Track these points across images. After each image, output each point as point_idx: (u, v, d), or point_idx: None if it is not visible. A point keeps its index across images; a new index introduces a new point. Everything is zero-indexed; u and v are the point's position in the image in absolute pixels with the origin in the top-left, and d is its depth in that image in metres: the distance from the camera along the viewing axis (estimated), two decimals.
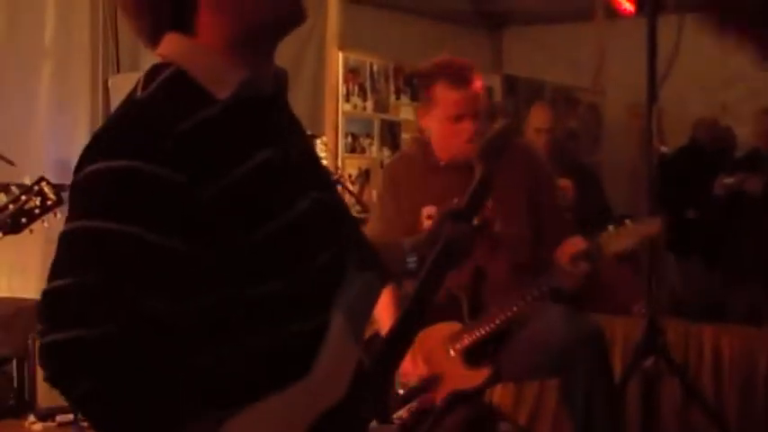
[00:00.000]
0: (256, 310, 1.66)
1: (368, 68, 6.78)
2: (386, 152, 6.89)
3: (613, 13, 7.79)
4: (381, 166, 6.77)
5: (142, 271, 1.57)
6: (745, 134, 7.54)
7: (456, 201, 2.19)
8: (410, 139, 3.92)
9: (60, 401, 5.18)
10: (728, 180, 6.65)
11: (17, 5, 6.34)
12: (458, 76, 3.55)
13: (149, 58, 5.68)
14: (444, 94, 3.56)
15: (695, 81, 7.53)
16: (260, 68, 1.76)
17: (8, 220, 3.05)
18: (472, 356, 3.49)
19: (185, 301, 1.61)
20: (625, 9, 5.05)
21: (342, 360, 1.71)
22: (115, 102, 6.73)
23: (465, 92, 3.54)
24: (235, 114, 1.69)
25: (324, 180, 1.93)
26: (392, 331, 1.91)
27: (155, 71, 1.72)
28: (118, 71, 6.91)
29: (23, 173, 5.83)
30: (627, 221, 3.41)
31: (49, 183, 3.13)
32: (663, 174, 6.78)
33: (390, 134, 6.92)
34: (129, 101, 1.69)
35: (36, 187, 3.10)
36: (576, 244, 3.38)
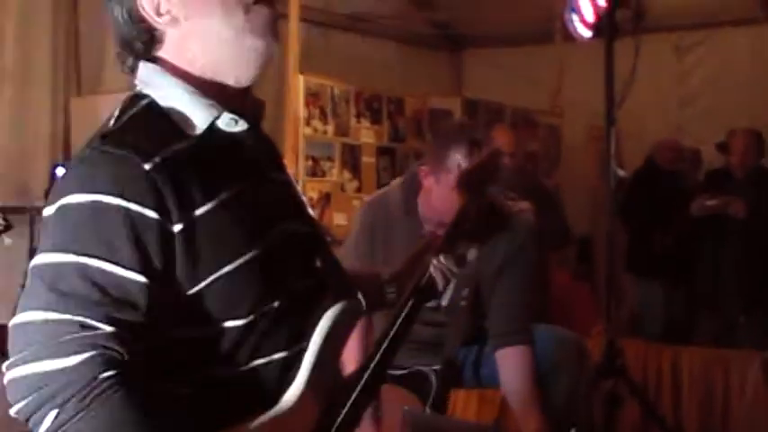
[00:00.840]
0: (220, 344, 1.67)
1: (329, 92, 6.79)
2: (346, 175, 6.90)
3: (572, 36, 7.90)
4: (342, 189, 6.81)
5: (110, 302, 1.57)
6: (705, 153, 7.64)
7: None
8: (398, 182, 3.71)
9: None
10: (711, 202, 6.64)
11: None
12: (474, 145, 3.35)
13: (110, 81, 5.73)
14: (460, 164, 3.32)
15: (651, 102, 7.60)
16: (233, 104, 1.77)
17: None
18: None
19: (154, 333, 1.61)
20: (580, 35, 5.10)
21: (311, 393, 1.73)
22: (76, 125, 6.73)
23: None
24: (205, 149, 1.70)
25: (297, 210, 1.92)
26: (364, 364, 1.91)
27: (130, 102, 1.73)
28: (79, 94, 6.89)
29: None
30: None
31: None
32: (625, 196, 6.90)
33: (351, 157, 6.93)
34: (102, 132, 1.69)
35: None
36: None
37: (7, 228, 3.23)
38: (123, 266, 1.58)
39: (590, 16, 4.78)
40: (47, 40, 6.71)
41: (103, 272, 1.57)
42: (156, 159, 1.62)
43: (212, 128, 1.72)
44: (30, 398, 1.54)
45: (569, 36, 7.87)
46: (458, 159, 3.36)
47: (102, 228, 1.59)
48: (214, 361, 1.67)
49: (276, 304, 1.71)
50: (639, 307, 7.24)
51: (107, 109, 6.19)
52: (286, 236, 1.78)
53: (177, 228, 1.61)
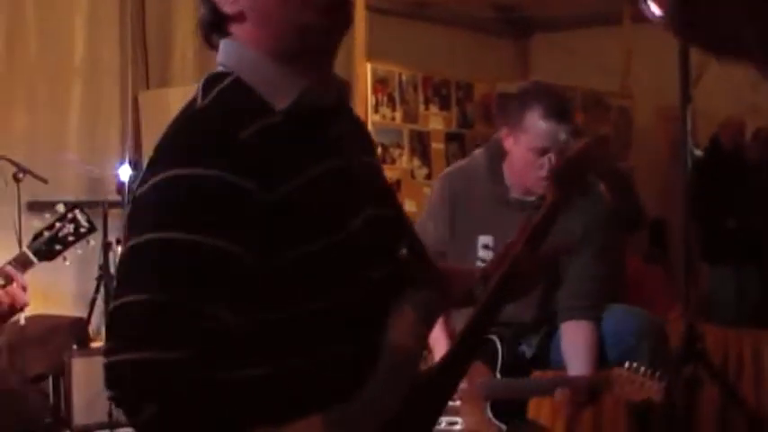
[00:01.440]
0: (302, 327, 1.65)
1: (396, 78, 6.76)
2: (416, 162, 6.86)
3: (640, 17, 7.79)
4: (412, 176, 6.77)
5: (215, 282, 1.54)
6: None
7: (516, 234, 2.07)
8: (480, 151, 3.63)
9: (96, 418, 5.21)
10: None
11: (47, 24, 6.38)
12: (552, 109, 3.35)
13: (178, 75, 5.77)
14: (534, 125, 3.35)
15: (723, 81, 7.47)
16: (318, 79, 1.75)
17: (43, 247, 3.08)
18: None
19: (245, 314, 1.58)
20: (653, 14, 4.99)
21: (395, 380, 1.70)
22: (146, 118, 6.79)
23: (556, 125, 3.33)
24: (295, 124, 1.68)
25: (383, 194, 1.89)
26: (445, 359, 1.88)
27: (213, 80, 1.71)
28: (147, 87, 6.94)
29: (57, 191, 5.90)
30: (642, 369, 3.19)
31: (82, 210, 3.16)
32: (697, 179, 6.79)
33: (420, 144, 6.89)
34: (189, 110, 1.68)
35: (70, 215, 3.13)
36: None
37: (91, 230, 3.24)
38: (227, 240, 1.55)
39: None
40: (115, 36, 6.78)
41: (207, 247, 1.54)
42: (250, 131, 1.61)
43: (299, 103, 1.69)
44: (129, 386, 1.51)
45: (637, 17, 7.82)
46: (535, 119, 3.34)
47: (204, 201, 1.56)
48: (290, 346, 1.65)
49: (354, 291, 1.70)
50: (711, 293, 7.12)
51: (176, 102, 6.31)
52: (371, 221, 1.75)
53: (270, 200, 1.59)
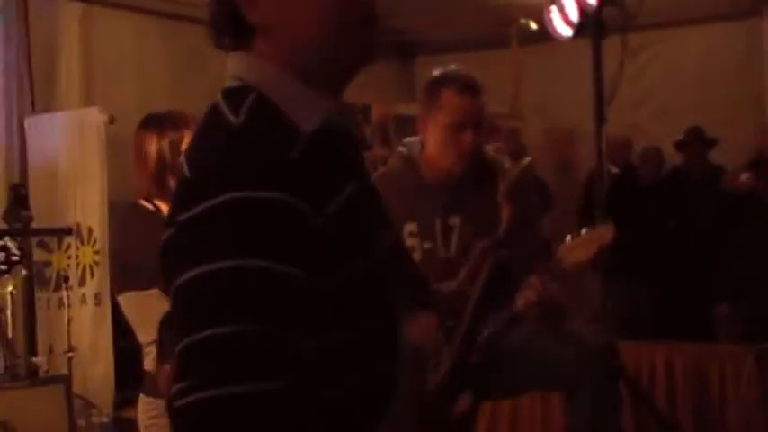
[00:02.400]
0: (357, 346, 1.60)
1: None
2: None
3: (527, 40, 7.93)
4: None
5: (290, 309, 1.47)
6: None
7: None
8: (395, 156, 3.81)
9: None
10: (744, 176, 6.68)
11: None
12: (466, 85, 3.53)
13: (64, 99, 5.61)
14: (451, 100, 3.49)
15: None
16: (337, 103, 1.70)
17: None
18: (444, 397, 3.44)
19: (311, 339, 1.51)
20: (560, 35, 5.09)
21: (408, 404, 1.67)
22: (33, 142, 6.60)
23: (471, 100, 3.51)
24: (323, 145, 1.60)
25: (387, 217, 1.86)
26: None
27: (236, 96, 1.61)
28: (33, 111, 6.75)
29: None
30: (582, 230, 3.43)
31: (13, 238, 3.04)
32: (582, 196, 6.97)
33: None
34: (224, 127, 1.57)
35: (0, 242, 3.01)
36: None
37: (23, 257, 3.13)
38: (293, 264, 1.47)
39: (574, 15, 4.77)
40: None
41: (278, 273, 1.46)
42: (297, 151, 1.54)
43: (326, 124, 1.62)
44: (217, 425, 1.40)
45: (524, 40, 7.97)
46: (451, 96, 3.47)
47: (270, 225, 1.47)
48: (349, 367, 1.60)
49: (389, 306, 1.67)
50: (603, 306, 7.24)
51: (61, 125, 6.14)
52: (388, 240, 1.73)
53: (319, 222, 1.52)
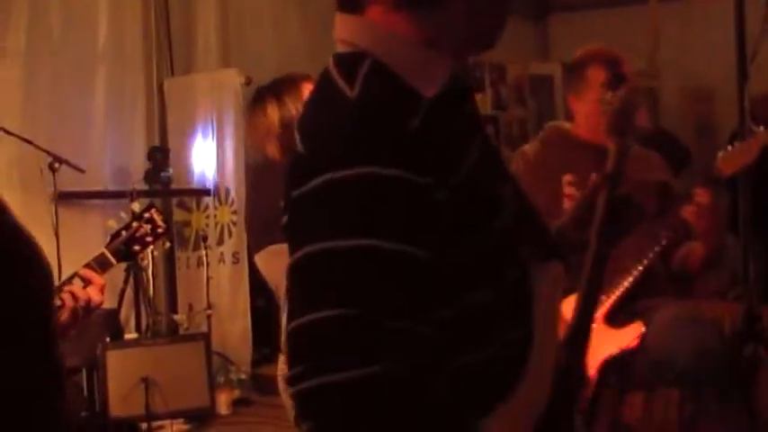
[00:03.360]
0: (474, 321, 1.53)
1: None
2: None
3: None
4: None
5: (405, 291, 1.41)
6: None
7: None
8: (549, 126, 3.95)
9: (132, 411, 5.17)
10: None
11: (70, 11, 6.30)
12: (610, 61, 3.63)
13: (203, 61, 5.69)
14: (597, 76, 3.60)
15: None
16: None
17: (122, 247, 3.03)
18: (614, 320, 3.46)
19: (428, 318, 1.45)
20: None
21: (546, 363, 1.64)
22: (171, 105, 6.75)
23: (617, 76, 3.57)
24: (445, 109, 1.53)
25: (506, 170, 1.78)
26: (576, 314, 1.85)
27: (349, 63, 1.53)
28: (172, 74, 6.89)
29: (82, 180, 5.85)
30: (734, 143, 3.51)
31: (158, 210, 3.11)
32: None
33: None
34: (338, 99, 1.50)
35: (146, 215, 3.09)
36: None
37: (167, 231, 3.20)
38: (411, 244, 1.41)
39: None
40: (139, 23, 6.73)
41: (394, 253, 1.39)
42: (416, 122, 1.46)
43: (447, 88, 1.54)
44: (329, 415, 1.37)
45: None
46: (597, 74, 3.61)
47: (386, 203, 1.41)
48: (470, 341, 1.54)
49: (514, 271, 1.59)
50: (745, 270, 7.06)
51: (200, 88, 6.25)
52: (513, 197, 1.65)
53: (444, 195, 1.45)
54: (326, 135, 1.47)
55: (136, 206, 5.57)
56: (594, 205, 2.04)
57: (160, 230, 3.08)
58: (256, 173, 3.86)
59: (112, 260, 2.94)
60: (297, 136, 1.51)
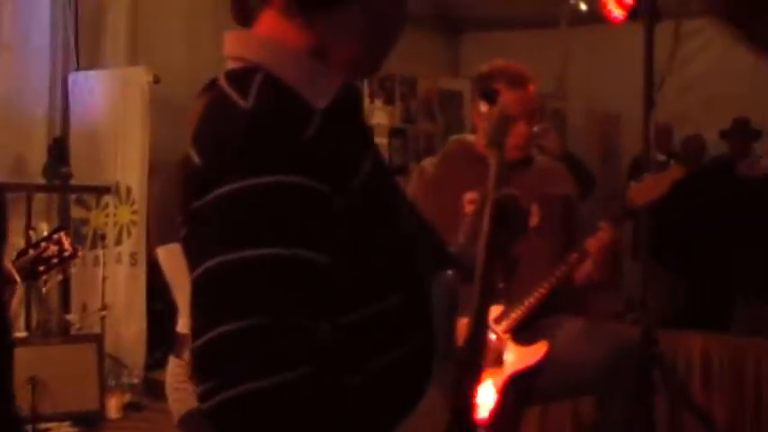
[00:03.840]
0: (385, 323, 1.55)
1: None
2: None
3: (575, 21, 7.86)
4: None
5: (312, 296, 1.41)
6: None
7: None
8: (452, 140, 3.93)
9: None
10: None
11: None
12: (516, 79, 3.59)
13: (111, 57, 5.60)
14: (505, 95, 3.45)
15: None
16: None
17: (27, 266, 2.96)
18: (521, 337, 3.47)
19: (334, 322, 1.46)
20: (615, 16, 5.02)
21: (446, 370, 1.64)
22: (76, 99, 6.62)
23: (522, 93, 3.59)
24: (337, 121, 1.54)
25: (396, 181, 1.79)
26: (470, 324, 1.87)
27: (242, 78, 1.53)
28: (78, 68, 6.76)
29: None
30: (645, 175, 3.60)
31: (67, 233, 3.07)
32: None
33: None
34: (234, 111, 1.50)
35: (55, 236, 3.03)
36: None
37: (74, 255, 3.19)
38: (315, 250, 1.41)
39: None
40: (46, 15, 6.58)
41: (299, 261, 1.40)
42: (311, 131, 1.47)
43: (338, 99, 1.55)
44: (247, 426, 1.36)
45: (574, 20, 7.89)
46: (502, 90, 3.41)
47: (288, 211, 1.41)
48: (375, 347, 1.55)
49: (412, 283, 1.60)
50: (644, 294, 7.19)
51: (106, 84, 6.15)
52: (407, 211, 1.68)
53: (342, 202, 1.46)
54: (223, 147, 1.46)
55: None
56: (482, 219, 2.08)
57: (67, 254, 3.05)
58: (172, 169, 3.79)
59: (16, 277, 2.87)
60: (193, 150, 1.50)
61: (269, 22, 1.58)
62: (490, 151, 2.32)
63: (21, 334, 5.86)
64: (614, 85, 7.70)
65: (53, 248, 3.01)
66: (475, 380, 1.85)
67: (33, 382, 5.17)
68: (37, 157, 6.47)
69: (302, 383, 1.35)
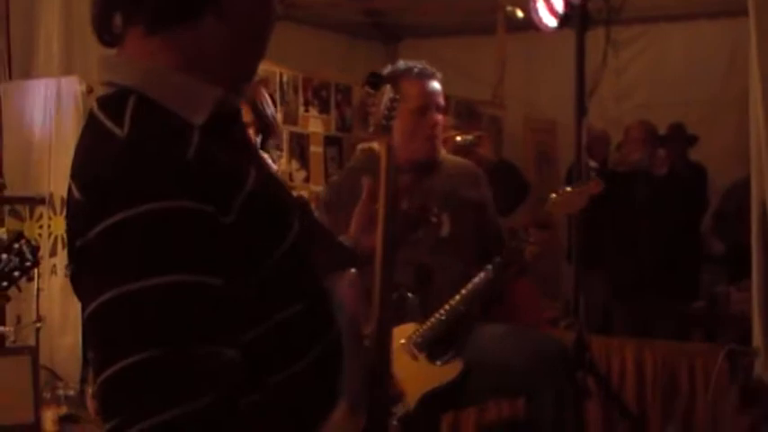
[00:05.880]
0: (287, 335, 1.53)
1: (278, 79, 6.65)
2: (294, 164, 6.77)
3: (512, 28, 7.90)
4: (290, 179, 6.67)
5: (208, 320, 1.39)
6: None
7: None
8: (358, 150, 3.95)
9: None
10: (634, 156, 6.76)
11: None
12: (422, 72, 3.75)
13: (44, 67, 5.51)
14: (411, 88, 3.65)
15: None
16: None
17: None
18: (436, 353, 3.47)
19: (233, 342, 1.44)
20: (546, 25, 5.05)
21: (356, 365, 1.64)
22: (7, 110, 6.53)
23: (430, 84, 3.72)
24: (215, 134, 1.51)
25: (288, 189, 1.81)
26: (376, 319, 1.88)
27: (115, 104, 1.49)
28: (10, 78, 6.67)
29: None
30: (566, 187, 3.67)
31: (28, 241, 2.91)
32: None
33: (299, 146, 6.80)
34: (111, 140, 1.45)
35: (15, 245, 2.88)
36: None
37: (35, 264, 3.03)
38: (206, 273, 1.39)
39: (559, 5, 4.74)
40: None
41: (191, 286, 1.37)
42: (191, 151, 1.43)
43: (215, 114, 1.53)
44: None
45: (510, 27, 7.93)
46: (411, 83, 3.69)
47: (175, 237, 1.38)
48: (275, 361, 1.53)
49: (313, 287, 1.61)
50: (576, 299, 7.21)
51: (38, 94, 6.03)
52: (301, 215, 1.65)
53: (228, 220, 1.44)
54: (104, 179, 1.42)
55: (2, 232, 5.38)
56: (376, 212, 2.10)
57: (28, 264, 2.88)
58: None
59: None
60: (73, 185, 1.47)
61: (135, 42, 1.54)
62: (379, 137, 2.35)
63: None
64: (550, 92, 7.75)
65: (14, 260, 2.88)
66: (386, 375, 1.86)
67: None
68: None
69: (206, 413, 1.34)
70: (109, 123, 1.46)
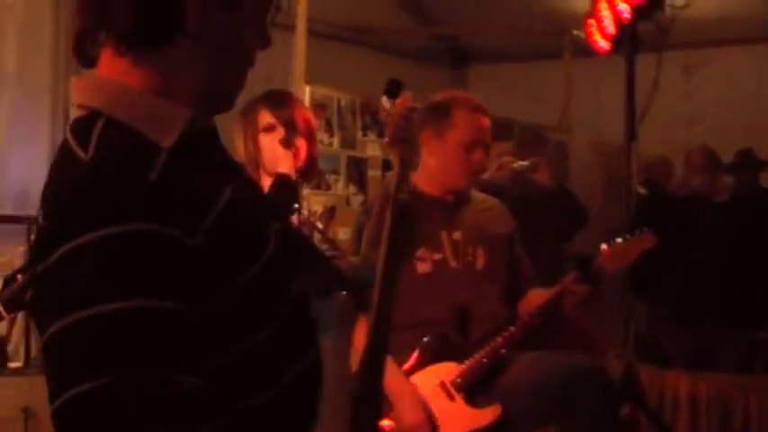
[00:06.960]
0: (254, 362, 1.51)
1: (335, 103, 6.66)
2: (352, 189, 6.77)
3: (580, 52, 7.83)
4: (347, 203, 6.67)
5: (171, 347, 1.37)
6: None
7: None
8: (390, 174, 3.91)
9: None
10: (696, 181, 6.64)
11: None
12: (479, 107, 3.68)
13: None
14: (466, 118, 3.61)
15: (655, 119, 7.53)
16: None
17: (15, 296, 2.76)
18: (475, 395, 3.43)
19: (199, 369, 1.42)
20: (601, 47, 5.01)
21: (342, 393, 1.62)
22: None
23: (484, 120, 3.66)
24: (187, 156, 1.50)
25: (272, 209, 1.80)
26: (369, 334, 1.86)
27: (83, 127, 1.48)
28: None
29: None
30: (618, 239, 3.58)
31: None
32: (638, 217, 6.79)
33: (357, 171, 6.80)
34: (75, 165, 1.44)
35: None
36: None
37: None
38: (169, 298, 1.37)
39: (611, 28, 4.69)
40: (49, 47, 6.60)
41: (154, 312, 1.36)
42: (155, 174, 1.42)
43: (185, 135, 1.51)
44: None
45: (578, 51, 7.86)
46: (464, 115, 3.65)
47: (136, 262, 1.36)
48: (250, 385, 1.51)
49: (286, 308, 1.56)
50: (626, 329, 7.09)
51: None
52: (280, 235, 1.61)
53: (195, 243, 1.41)
54: (65, 204, 1.42)
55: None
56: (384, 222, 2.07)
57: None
58: None
59: (3, 313, 2.72)
60: (40, 210, 1.46)
61: (108, 64, 1.53)
62: (393, 149, 2.31)
63: (15, 364, 5.84)
64: (618, 117, 7.64)
65: None
66: (375, 410, 1.83)
67: (26, 413, 5.15)
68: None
69: None
70: (76, 147, 1.46)
